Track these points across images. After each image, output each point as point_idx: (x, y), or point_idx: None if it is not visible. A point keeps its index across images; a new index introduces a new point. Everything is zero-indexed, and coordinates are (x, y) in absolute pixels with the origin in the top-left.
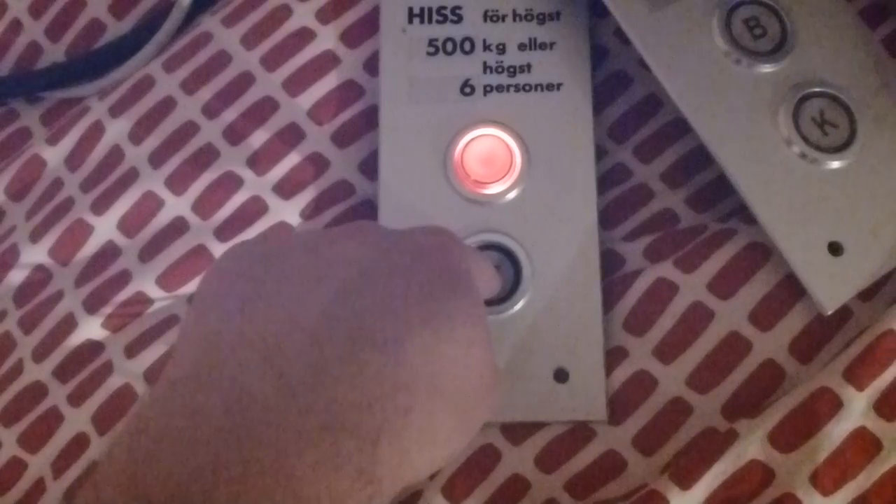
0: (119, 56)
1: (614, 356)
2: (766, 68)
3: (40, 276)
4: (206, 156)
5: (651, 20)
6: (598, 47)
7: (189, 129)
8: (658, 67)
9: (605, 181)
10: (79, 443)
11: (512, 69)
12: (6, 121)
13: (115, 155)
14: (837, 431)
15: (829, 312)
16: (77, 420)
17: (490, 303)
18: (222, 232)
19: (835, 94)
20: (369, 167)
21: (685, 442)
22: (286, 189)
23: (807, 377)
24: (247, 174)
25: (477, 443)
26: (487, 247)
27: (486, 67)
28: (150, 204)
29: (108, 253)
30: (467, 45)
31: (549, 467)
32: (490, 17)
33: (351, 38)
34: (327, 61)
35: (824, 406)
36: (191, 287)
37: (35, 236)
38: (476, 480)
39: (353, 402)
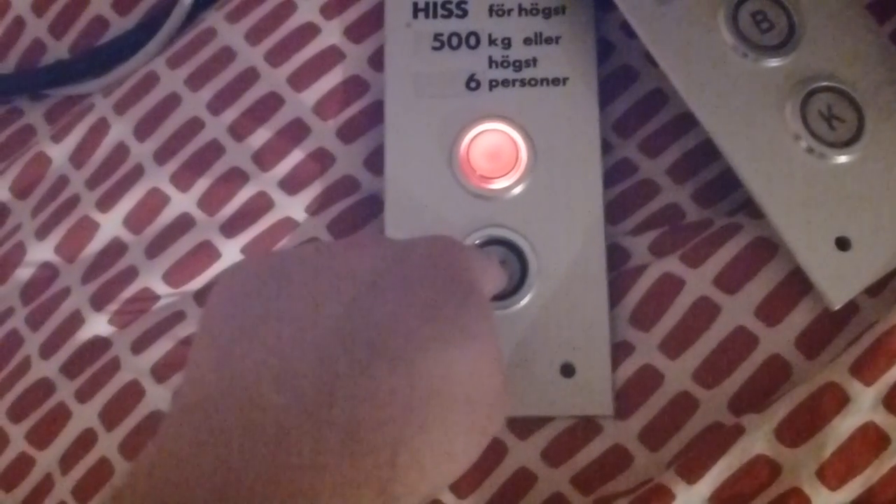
0: (123, 53)
1: (620, 351)
2: (774, 62)
3: (47, 274)
4: (212, 152)
5: (657, 14)
6: (604, 42)
7: (194, 126)
8: (664, 62)
9: (610, 176)
10: (87, 439)
11: (517, 63)
12: (10, 119)
13: (120, 152)
14: (844, 426)
15: (837, 307)
16: (85, 416)
17: (496, 298)
18: (228, 228)
19: (842, 89)
20: (375, 162)
21: (691, 436)
22: (292, 185)
23: (813, 372)
24: (252, 170)
25: None
26: (493, 242)
27: (491, 62)
28: (156, 200)
29: (115, 250)
30: (472, 40)
31: (555, 461)
32: (495, 11)
33: (355, 33)
34: (332, 56)
35: (831, 401)
36: (197, 283)
37: (41, 234)
38: (483, 474)
39: (370, 420)
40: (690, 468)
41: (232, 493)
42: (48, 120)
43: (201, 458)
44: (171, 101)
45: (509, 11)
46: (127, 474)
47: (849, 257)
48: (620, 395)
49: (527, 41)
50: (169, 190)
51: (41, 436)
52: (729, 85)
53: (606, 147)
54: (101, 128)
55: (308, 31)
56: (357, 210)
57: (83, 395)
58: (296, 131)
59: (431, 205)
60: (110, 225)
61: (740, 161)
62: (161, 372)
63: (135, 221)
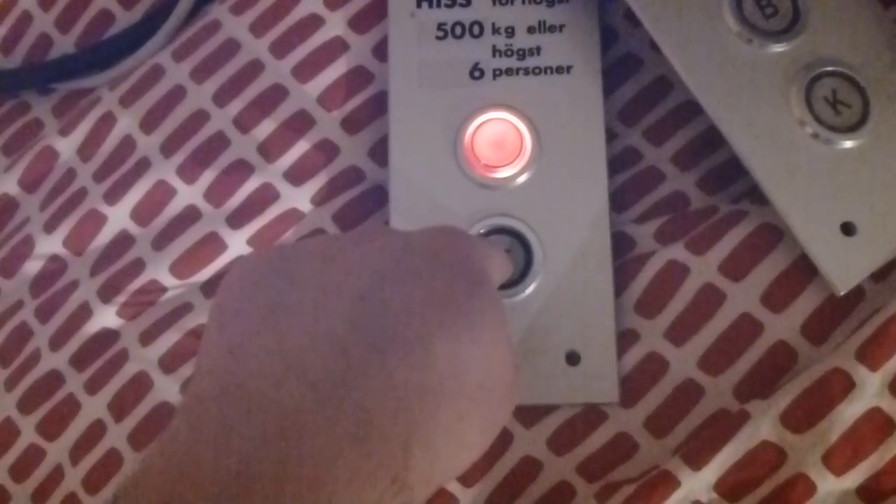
0: (128, 46)
1: (626, 339)
2: (778, 48)
3: (55, 267)
4: (217, 144)
5: (661, 1)
6: (608, 29)
7: (199, 118)
8: (668, 49)
9: (615, 164)
10: (96, 429)
11: (521, 52)
12: (18, 113)
13: (127, 145)
14: (850, 412)
15: (843, 293)
16: (94, 407)
17: (501, 287)
18: (234, 219)
19: (847, 74)
20: (379, 153)
21: (697, 424)
22: (297, 176)
23: (819, 358)
24: (258, 161)
25: None
26: (498, 231)
27: (495, 51)
28: (163, 193)
29: (122, 242)
30: (476, 29)
31: (561, 449)
32: (499, 0)
33: (359, 23)
34: (336, 48)
35: (837, 386)
36: (204, 275)
37: (49, 227)
38: (489, 462)
39: (383, 410)
40: (696, 454)
41: (246, 485)
42: (55, 114)
43: (214, 449)
44: (177, 94)
45: (513, 0)
46: (138, 466)
47: (854, 242)
48: (626, 383)
49: (530, 30)
50: (175, 182)
51: (51, 427)
52: (733, 71)
53: (611, 135)
54: (107, 121)
55: (312, 23)
56: (362, 200)
57: (92, 387)
58: (300, 122)
59: (436, 194)
60: (118, 217)
61: (745, 148)
62: (169, 363)
63: (142, 214)
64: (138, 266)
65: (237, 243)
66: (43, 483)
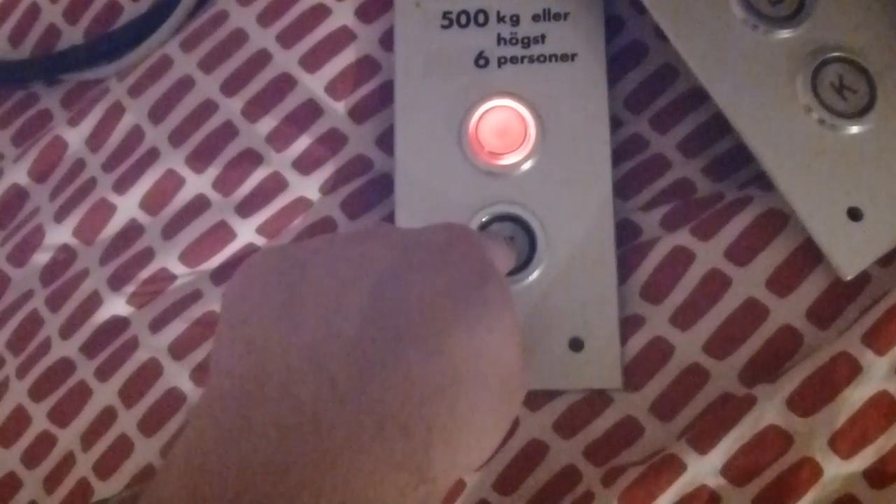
0: (137, 37)
1: (631, 324)
2: (784, 34)
3: (65, 256)
4: (225, 134)
5: None
6: (613, 17)
7: (208, 108)
8: (674, 36)
9: (621, 152)
10: (107, 416)
11: (526, 40)
12: (27, 104)
13: (136, 135)
14: (857, 395)
15: (849, 278)
16: (105, 394)
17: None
18: (243, 208)
19: (854, 59)
20: (387, 142)
21: (702, 407)
22: (305, 165)
23: (825, 342)
24: (266, 151)
25: None
26: (502, 218)
27: (500, 39)
28: (172, 182)
29: (132, 231)
30: (481, 18)
31: (567, 433)
32: None
33: (366, 13)
34: (343, 37)
35: (843, 370)
36: (213, 263)
37: (59, 217)
38: None
39: (403, 403)
40: (702, 438)
41: (270, 480)
42: (64, 105)
43: (237, 445)
44: (185, 84)
45: None
46: (161, 468)
47: (861, 228)
48: (631, 368)
49: (535, 18)
50: (184, 172)
51: (62, 414)
52: (739, 58)
53: (617, 123)
54: (116, 112)
55: (319, 13)
56: (370, 189)
57: (103, 374)
58: (308, 112)
59: (441, 182)
60: (127, 207)
61: (751, 134)
62: (178, 350)
63: (151, 203)
64: (148, 255)
65: (246, 232)
66: (55, 469)
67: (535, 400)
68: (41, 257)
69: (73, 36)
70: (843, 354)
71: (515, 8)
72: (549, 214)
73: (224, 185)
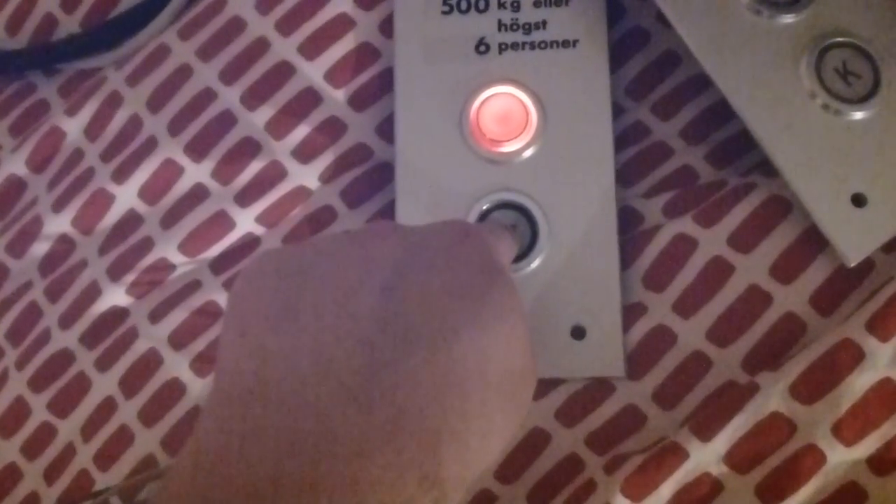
0: (134, 25)
1: (633, 312)
2: (788, 19)
3: (64, 247)
4: (224, 122)
5: None
6: (615, 3)
7: (206, 97)
8: (677, 21)
9: (623, 139)
10: (107, 407)
11: (527, 26)
12: (24, 94)
13: (134, 124)
14: (860, 382)
15: (853, 264)
16: (105, 384)
17: None
18: (242, 197)
19: (857, 45)
20: (387, 130)
21: (705, 395)
22: (304, 153)
23: (828, 330)
24: (265, 139)
25: None
26: (503, 206)
27: (500, 25)
28: (171, 171)
29: (130, 221)
30: (482, 4)
31: (569, 421)
32: None
33: (365, 0)
34: (342, 24)
35: (846, 357)
36: (213, 252)
37: (57, 207)
38: None
39: (412, 405)
40: (704, 426)
41: (278, 486)
42: (62, 94)
43: (244, 450)
44: (183, 73)
45: None
46: (169, 471)
47: (865, 214)
48: (633, 356)
49: (536, 4)
50: (183, 161)
51: (62, 405)
52: (743, 43)
53: (619, 110)
54: (114, 101)
55: (318, 0)
56: (369, 178)
57: (103, 365)
58: (307, 100)
59: (442, 170)
60: (125, 197)
61: (755, 119)
62: (178, 340)
63: (150, 193)
64: (147, 244)
65: (245, 221)
66: (55, 460)
67: (538, 388)
68: (40, 248)
69: (70, 25)
70: (846, 341)
71: None
72: (551, 202)
73: (223, 174)
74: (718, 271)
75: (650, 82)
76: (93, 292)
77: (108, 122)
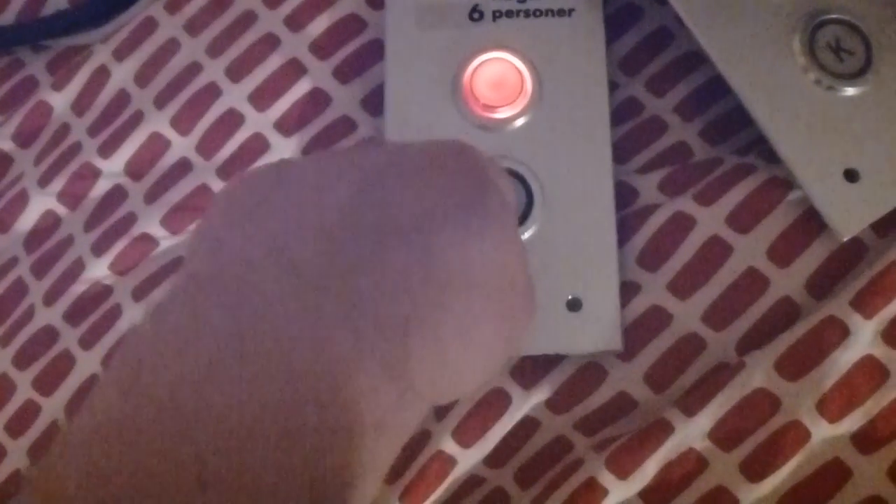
0: (122, 1)
1: (627, 291)
2: None
3: (49, 222)
4: (209, 94)
5: None
6: None
7: (192, 70)
8: None
9: (617, 115)
10: (91, 384)
11: None
12: (12, 70)
13: (122, 98)
14: (844, 359)
15: (845, 239)
16: (88, 363)
17: None
18: (224, 171)
19: (850, 21)
20: (371, 103)
21: (696, 378)
22: (287, 126)
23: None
24: (248, 111)
25: (486, 387)
26: None
27: None
28: (157, 145)
29: (116, 196)
30: None
31: (560, 409)
32: None
33: None
34: None
35: (831, 334)
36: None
37: (43, 182)
38: (487, 424)
39: (376, 293)
40: (690, 402)
41: (203, 370)
42: (50, 71)
43: (178, 336)
44: (171, 47)
45: None
46: (105, 371)
47: (857, 189)
48: (626, 336)
49: None
50: (169, 134)
51: (47, 383)
52: (737, 19)
53: (612, 86)
54: (101, 75)
55: None
56: None
57: (86, 343)
58: (291, 71)
59: (434, 136)
60: (111, 171)
61: (749, 94)
62: None
63: (135, 167)
64: (130, 220)
65: None
66: (39, 438)
67: (528, 378)
68: (25, 223)
69: (58, 1)
70: (831, 318)
71: None
72: (546, 170)
73: (207, 147)
74: (716, 251)
75: (644, 58)
76: (77, 269)
77: (96, 96)
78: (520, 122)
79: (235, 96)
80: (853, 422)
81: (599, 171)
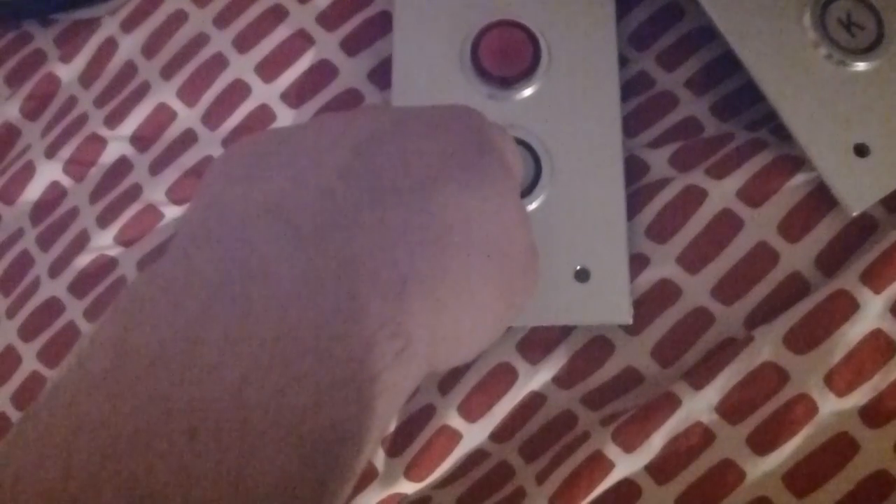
0: None
1: (635, 264)
2: None
3: (56, 194)
4: (216, 65)
5: None
6: None
7: (199, 41)
8: None
9: (627, 89)
10: None
11: None
12: (20, 43)
13: (129, 69)
14: (853, 333)
15: (855, 213)
16: None
17: None
18: (230, 142)
19: None
20: (379, 75)
21: (704, 352)
22: (293, 97)
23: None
24: (255, 81)
25: (493, 362)
26: None
27: None
28: (163, 115)
29: (121, 167)
30: None
31: (566, 384)
32: None
33: None
34: None
35: (840, 308)
36: None
37: (50, 152)
38: (492, 399)
39: (373, 249)
40: (697, 375)
41: (196, 325)
42: (58, 44)
43: (172, 297)
44: (178, 18)
45: None
46: (97, 325)
47: (867, 164)
48: (635, 308)
49: None
50: (176, 104)
51: (52, 355)
52: None
53: (623, 60)
54: (109, 46)
55: None
56: None
57: (92, 314)
58: (299, 42)
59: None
60: (117, 142)
61: (759, 69)
62: None
63: (141, 138)
64: (136, 191)
65: None
66: None
67: (535, 353)
68: (31, 195)
69: None
70: (840, 292)
71: None
72: (554, 139)
73: (213, 118)
74: (727, 225)
75: (654, 33)
76: (82, 240)
77: (103, 68)
78: (528, 91)
79: (242, 67)
80: (861, 395)
81: (609, 141)
